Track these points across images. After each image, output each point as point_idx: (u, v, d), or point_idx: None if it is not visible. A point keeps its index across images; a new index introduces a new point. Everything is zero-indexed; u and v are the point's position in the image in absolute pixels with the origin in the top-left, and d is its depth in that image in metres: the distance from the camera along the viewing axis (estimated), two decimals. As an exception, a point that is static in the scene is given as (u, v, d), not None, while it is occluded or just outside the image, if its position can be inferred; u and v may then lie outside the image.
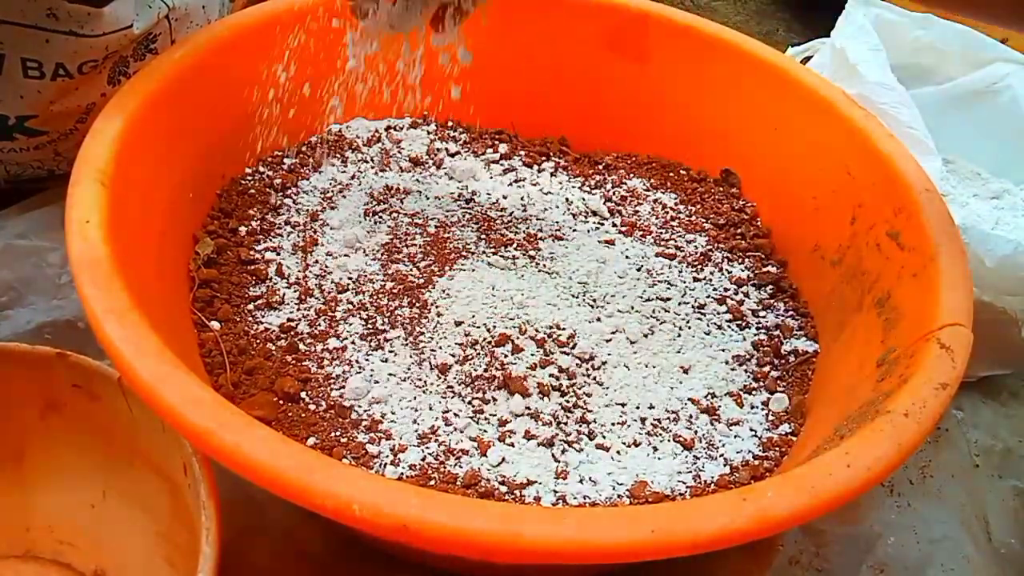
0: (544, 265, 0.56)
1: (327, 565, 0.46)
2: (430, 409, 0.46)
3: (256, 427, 0.33)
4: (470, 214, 0.59)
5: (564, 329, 0.51)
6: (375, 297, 0.52)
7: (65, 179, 0.42)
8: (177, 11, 0.57)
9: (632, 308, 0.53)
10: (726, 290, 0.57)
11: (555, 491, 0.43)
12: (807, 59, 0.70)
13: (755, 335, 0.54)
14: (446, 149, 0.64)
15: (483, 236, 0.57)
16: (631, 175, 0.66)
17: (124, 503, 0.44)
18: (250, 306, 0.50)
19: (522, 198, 0.62)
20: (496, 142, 0.67)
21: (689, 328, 0.53)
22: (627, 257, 0.57)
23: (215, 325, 0.48)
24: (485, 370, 0.48)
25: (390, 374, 0.47)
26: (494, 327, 0.50)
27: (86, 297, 0.36)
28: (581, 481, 0.44)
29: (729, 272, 0.58)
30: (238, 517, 0.45)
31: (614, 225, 0.61)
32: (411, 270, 0.54)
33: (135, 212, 0.44)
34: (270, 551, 0.45)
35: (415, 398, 0.46)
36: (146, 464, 0.42)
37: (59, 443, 0.44)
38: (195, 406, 0.33)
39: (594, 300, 0.54)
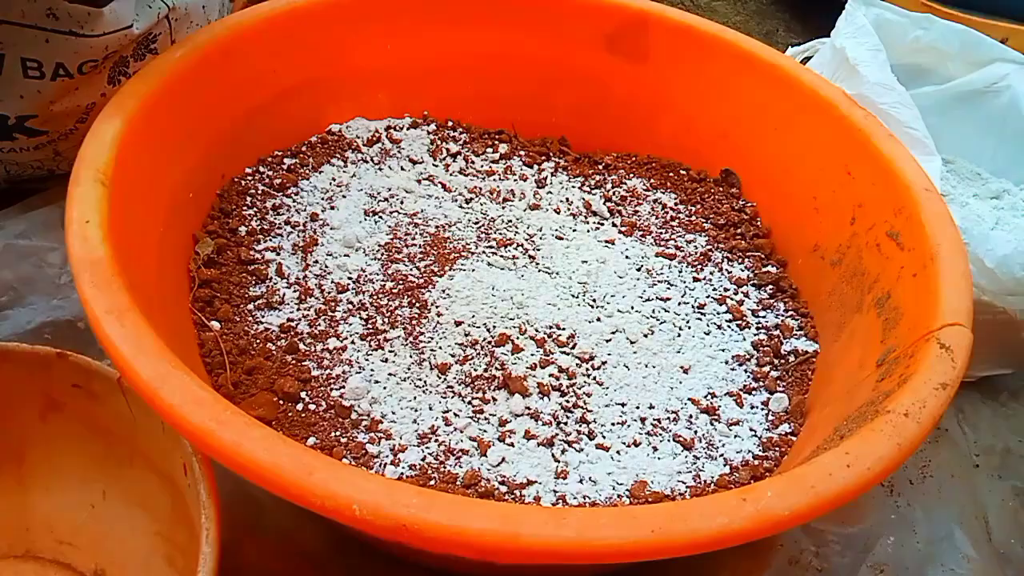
0: (544, 265, 0.56)
1: (327, 565, 0.46)
2: (430, 409, 0.46)
3: (256, 427, 0.33)
4: (470, 214, 0.59)
5: (564, 329, 0.51)
6: (375, 297, 0.52)
7: (65, 179, 0.42)
8: (177, 11, 0.57)
9: (632, 308, 0.53)
10: (726, 290, 0.57)
11: (555, 491, 0.43)
12: (807, 59, 0.70)
13: (755, 335, 0.54)
14: (447, 149, 0.64)
15: (483, 236, 0.57)
16: (631, 175, 0.66)
17: (124, 503, 0.44)
18: (250, 306, 0.50)
19: (522, 198, 0.62)
20: (496, 142, 0.67)
21: (689, 328, 0.53)
22: (627, 257, 0.57)
23: (215, 325, 0.48)
24: (485, 370, 0.48)
25: (390, 374, 0.47)
26: (494, 327, 0.50)
27: (86, 297, 0.36)
28: (581, 481, 0.44)
29: (729, 272, 0.58)
30: (238, 517, 0.45)
31: (614, 225, 0.61)
32: (411, 270, 0.54)
33: (135, 212, 0.44)
34: (270, 551, 0.45)
35: (415, 398, 0.46)
36: (146, 464, 0.42)
37: (59, 443, 0.44)
38: (195, 406, 0.33)
39: (594, 300, 0.54)
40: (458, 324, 0.50)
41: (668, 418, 0.48)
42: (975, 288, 0.44)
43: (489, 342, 0.49)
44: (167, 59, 0.50)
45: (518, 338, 0.50)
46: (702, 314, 0.54)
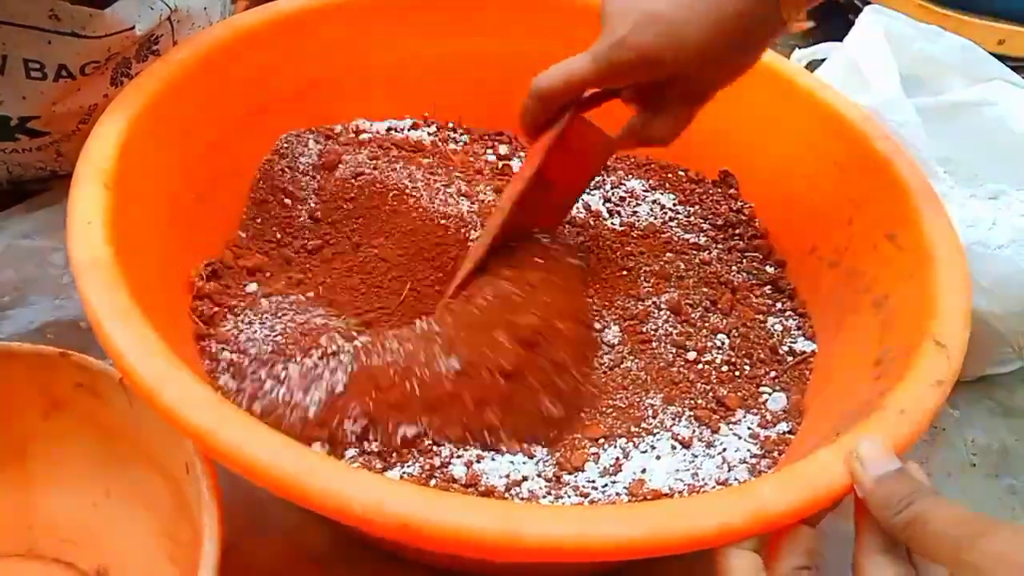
0: (543, 265, 0.56)
1: (328, 564, 0.46)
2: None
3: (257, 427, 0.33)
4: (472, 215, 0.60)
5: (563, 329, 0.51)
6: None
7: (68, 180, 0.42)
8: (179, 13, 0.57)
9: (631, 308, 0.54)
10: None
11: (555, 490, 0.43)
12: (813, 62, 0.70)
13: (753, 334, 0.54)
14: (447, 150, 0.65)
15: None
16: (630, 176, 0.66)
17: (126, 502, 0.44)
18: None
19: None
20: (496, 143, 0.67)
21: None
22: (626, 257, 0.58)
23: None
24: (485, 370, 0.48)
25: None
26: (494, 327, 0.50)
27: (87, 298, 0.37)
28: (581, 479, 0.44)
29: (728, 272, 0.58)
30: (239, 516, 0.45)
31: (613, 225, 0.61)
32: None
33: (137, 213, 0.44)
34: (271, 550, 0.46)
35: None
36: (148, 463, 0.43)
37: (62, 442, 0.44)
38: (196, 407, 0.33)
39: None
40: (458, 324, 0.50)
41: (666, 416, 0.48)
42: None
43: (489, 342, 0.49)
44: (169, 61, 0.51)
45: (518, 338, 0.50)
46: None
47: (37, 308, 0.55)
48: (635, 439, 0.46)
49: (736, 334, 0.53)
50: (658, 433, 0.47)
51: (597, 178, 0.66)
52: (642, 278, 0.56)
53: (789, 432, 0.48)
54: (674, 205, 0.63)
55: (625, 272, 0.56)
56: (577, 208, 0.62)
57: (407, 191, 0.56)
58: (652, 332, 0.52)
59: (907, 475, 0.33)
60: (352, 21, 0.61)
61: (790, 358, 0.52)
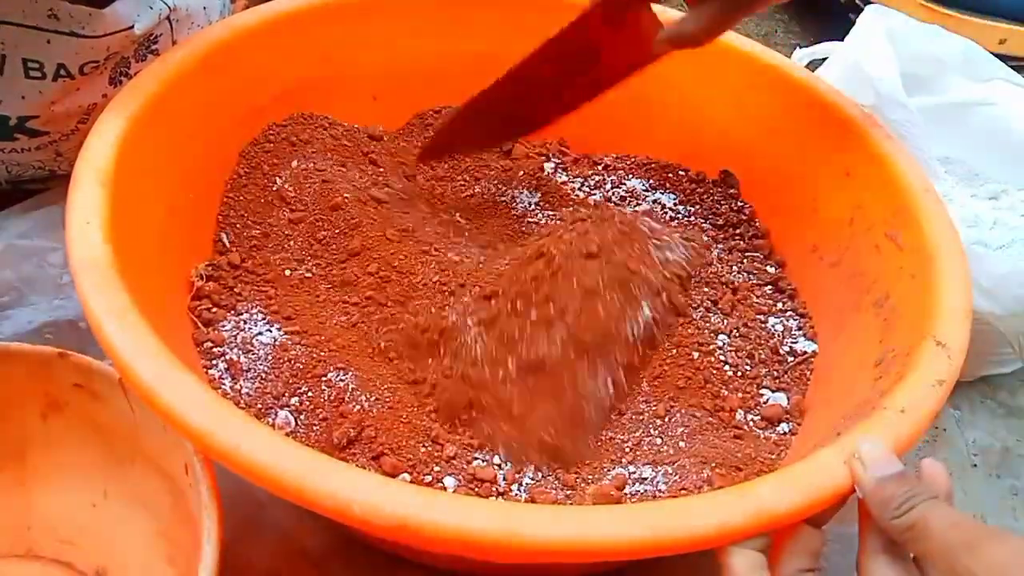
0: (543, 265, 0.56)
1: (328, 564, 0.46)
2: (430, 409, 0.46)
3: (256, 427, 0.33)
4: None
5: (563, 329, 0.51)
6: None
7: (67, 179, 0.42)
8: (178, 12, 0.57)
9: (631, 308, 0.53)
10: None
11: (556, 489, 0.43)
12: (814, 62, 0.70)
13: (754, 335, 0.54)
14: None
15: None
16: (630, 176, 0.66)
17: (125, 502, 0.44)
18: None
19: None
20: (495, 143, 0.67)
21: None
22: (626, 257, 0.57)
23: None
24: (485, 370, 0.48)
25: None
26: (494, 327, 0.50)
27: (86, 298, 0.37)
28: (581, 479, 0.44)
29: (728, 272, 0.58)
30: (239, 516, 0.45)
31: (613, 225, 0.61)
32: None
33: (136, 213, 0.44)
34: (270, 550, 0.46)
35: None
36: (147, 463, 0.43)
37: (60, 443, 0.44)
38: (195, 407, 0.33)
39: (593, 300, 0.54)
40: (458, 324, 0.50)
41: (666, 417, 0.48)
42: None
43: (489, 342, 0.49)
44: (168, 60, 0.51)
45: (518, 338, 0.50)
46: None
47: (36, 308, 0.55)
48: (636, 439, 0.46)
49: (737, 334, 0.53)
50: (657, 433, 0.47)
51: (597, 177, 0.66)
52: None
53: (790, 432, 0.48)
54: (674, 205, 0.63)
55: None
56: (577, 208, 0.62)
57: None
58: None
59: (908, 477, 0.33)
60: (351, 21, 0.61)
61: (791, 358, 0.52)
